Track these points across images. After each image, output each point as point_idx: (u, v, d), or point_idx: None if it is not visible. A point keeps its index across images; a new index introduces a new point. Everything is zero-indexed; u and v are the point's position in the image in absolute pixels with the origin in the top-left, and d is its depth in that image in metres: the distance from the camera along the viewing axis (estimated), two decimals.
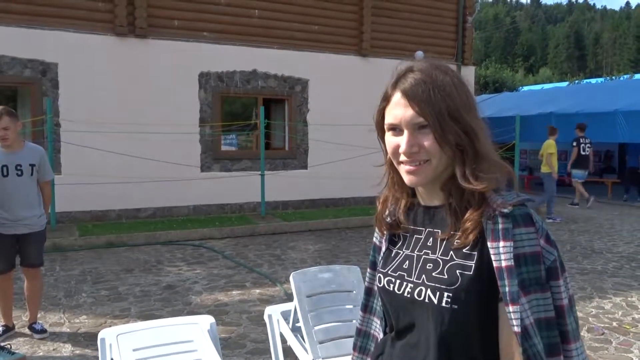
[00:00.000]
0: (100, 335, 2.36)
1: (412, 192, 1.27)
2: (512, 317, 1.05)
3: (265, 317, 3.28)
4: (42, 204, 4.43)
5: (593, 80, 32.96)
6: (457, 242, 1.13)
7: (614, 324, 4.82)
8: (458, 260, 1.12)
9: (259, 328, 4.58)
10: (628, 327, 4.74)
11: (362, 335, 1.41)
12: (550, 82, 45.04)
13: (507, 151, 12.74)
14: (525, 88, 30.78)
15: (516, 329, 1.04)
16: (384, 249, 1.31)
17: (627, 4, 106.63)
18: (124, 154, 8.95)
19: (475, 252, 1.10)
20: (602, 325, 4.78)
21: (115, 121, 8.88)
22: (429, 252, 1.18)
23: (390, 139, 1.17)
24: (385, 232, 1.31)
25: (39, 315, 4.58)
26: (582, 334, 4.57)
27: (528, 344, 1.04)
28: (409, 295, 1.18)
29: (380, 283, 1.26)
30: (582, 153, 11.94)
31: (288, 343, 3.13)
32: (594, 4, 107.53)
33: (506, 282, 1.05)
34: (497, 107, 17.26)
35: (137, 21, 9.30)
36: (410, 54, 10.98)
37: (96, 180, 8.65)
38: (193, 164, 9.85)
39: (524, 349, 1.05)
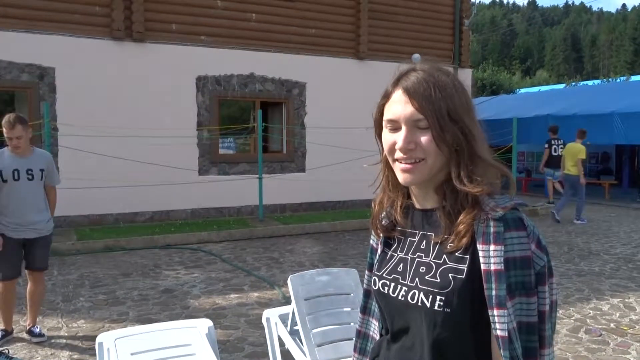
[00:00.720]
0: (98, 340, 2.36)
1: (407, 193, 1.27)
2: (497, 321, 1.05)
3: (264, 321, 3.28)
4: (49, 208, 4.45)
5: (590, 83, 33.05)
6: (450, 246, 1.13)
7: (612, 325, 4.83)
8: (451, 264, 1.12)
9: (257, 331, 4.58)
10: (626, 328, 4.75)
11: (362, 337, 1.42)
12: (547, 84, 45.17)
13: (504, 153, 12.77)
14: (522, 90, 30.88)
15: (500, 332, 1.04)
16: (379, 251, 1.31)
17: (624, 6, 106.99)
18: (122, 157, 8.95)
19: (468, 256, 1.10)
20: (600, 326, 4.79)
21: (112, 125, 8.88)
22: (423, 255, 1.19)
23: (387, 136, 1.17)
24: (381, 235, 1.31)
25: (36, 320, 4.57)
26: (580, 335, 4.58)
27: (511, 347, 1.05)
28: (403, 299, 1.18)
29: (375, 286, 1.27)
30: (554, 154, 12.28)
31: (286, 346, 3.13)
32: (591, 6, 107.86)
33: (493, 286, 1.05)
34: (494, 109, 17.30)
35: (134, 25, 9.32)
36: (407, 57, 10.95)
37: (94, 184, 8.65)
38: (191, 167, 9.85)
39: (509, 352, 1.05)
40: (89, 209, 9.07)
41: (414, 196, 1.25)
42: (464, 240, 1.10)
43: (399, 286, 1.20)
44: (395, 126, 1.16)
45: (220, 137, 10.49)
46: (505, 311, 1.04)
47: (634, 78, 29.13)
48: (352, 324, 3.01)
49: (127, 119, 9.15)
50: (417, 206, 1.24)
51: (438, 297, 1.11)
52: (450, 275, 1.11)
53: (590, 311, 5.20)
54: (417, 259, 1.19)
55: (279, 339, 3.20)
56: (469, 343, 1.12)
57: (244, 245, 8.27)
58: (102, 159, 8.78)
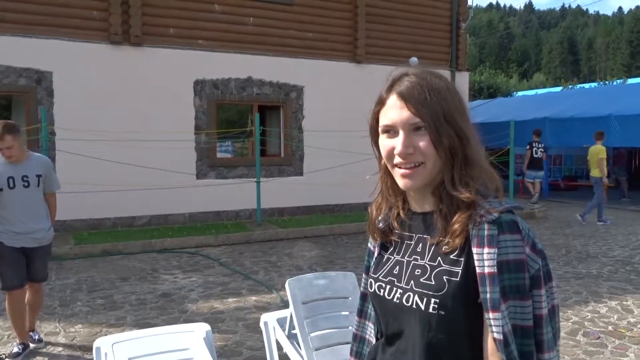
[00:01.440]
0: (95, 344, 2.35)
1: (405, 198, 1.28)
2: (493, 324, 1.05)
3: (261, 324, 3.27)
4: (49, 216, 4.29)
5: (587, 85, 33.12)
6: (445, 248, 1.13)
7: (610, 328, 4.83)
8: (445, 266, 1.12)
9: (255, 335, 4.57)
10: (623, 331, 4.75)
11: (358, 340, 1.42)
12: (544, 87, 45.26)
13: (501, 156, 12.79)
14: (520, 93, 30.95)
15: (496, 335, 1.04)
16: (376, 254, 1.32)
17: (620, 9, 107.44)
18: (120, 161, 8.94)
19: (462, 258, 1.10)
20: (598, 329, 4.79)
21: (110, 129, 8.88)
22: (418, 257, 1.19)
23: (385, 141, 1.18)
24: (377, 239, 1.31)
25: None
26: (578, 338, 4.58)
27: (507, 351, 1.04)
28: (398, 301, 1.18)
29: (371, 288, 1.27)
30: (535, 156, 12.94)
31: (284, 350, 3.13)
32: (587, 9, 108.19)
33: (487, 289, 1.05)
34: (492, 112, 17.34)
35: (131, 29, 9.32)
36: (405, 60, 11.04)
37: (91, 188, 8.63)
38: (189, 171, 9.84)
39: (506, 355, 1.05)
40: (87, 213, 9.05)
41: (411, 199, 1.25)
42: (458, 241, 1.10)
43: (394, 289, 1.20)
44: (392, 132, 1.16)
45: (218, 141, 10.49)
46: (500, 314, 1.04)
47: (631, 81, 29.20)
48: (350, 327, 3.00)
49: (125, 123, 9.14)
50: (415, 209, 1.25)
51: (433, 300, 1.11)
52: (444, 277, 1.11)
53: (588, 314, 5.21)
54: (412, 262, 1.20)
55: (277, 342, 3.19)
56: (463, 346, 1.11)
57: (242, 249, 8.27)
58: (99, 163, 8.77)
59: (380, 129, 1.19)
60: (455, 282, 1.10)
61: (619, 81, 34.53)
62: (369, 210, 1.34)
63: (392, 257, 1.26)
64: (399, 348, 1.20)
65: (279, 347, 3.18)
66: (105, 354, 2.33)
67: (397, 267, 1.22)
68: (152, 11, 9.55)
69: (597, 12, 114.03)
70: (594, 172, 10.78)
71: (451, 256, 1.12)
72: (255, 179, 9.81)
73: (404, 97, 1.13)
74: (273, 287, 6.06)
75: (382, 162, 1.23)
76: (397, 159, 1.15)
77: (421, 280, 1.15)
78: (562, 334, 4.65)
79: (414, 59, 11.33)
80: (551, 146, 15.56)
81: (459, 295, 1.09)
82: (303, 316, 2.95)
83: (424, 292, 1.13)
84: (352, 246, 8.48)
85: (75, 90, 8.94)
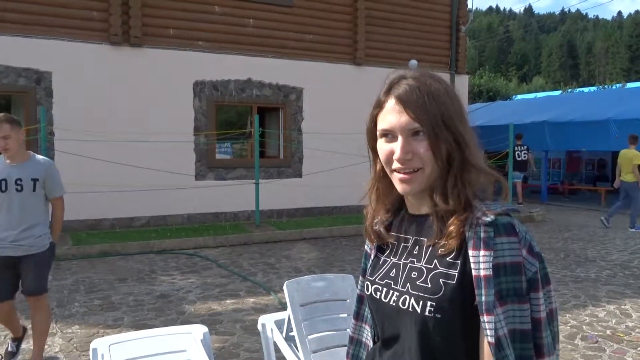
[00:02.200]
0: (92, 346, 2.35)
1: (397, 202, 1.28)
2: (487, 327, 1.04)
3: (259, 326, 3.26)
4: (47, 223, 3.92)
5: (586, 89, 33.18)
6: (441, 250, 1.13)
7: (608, 332, 4.83)
8: (442, 269, 1.12)
9: (252, 337, 4.56)
10: (622, 335, 4.75)
11: (355, 343, 1.41)
12: (544, 90, 45.35)
13: (500, 159, 12.81)
14: (519, 97, 31.00)
15: (490, 339, 1.03)
16: (372, 256, 1.31)
17: (619, 13, 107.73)
18: (118, 162, 8.93)
19: (459, 261, 1.10)
20: (596, 333, 4.78)
21: (109, 130, 8.87)
22: (415, 260, 1.18)
23: (383, 146, 1.17)
24: (374, 241, 1.30)
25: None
26: (576, 342, 4.57)
27: (500, 355, 1.03)
28: (394, 304, 1.17)
29: (367, 291, 1.27)
30: (518, 159, 13.56)
31: (282, 352, 3.12)
32: (587, 13, 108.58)
33: (483, 292, 1.04)
34: (491, 115, 17.35)
35: (131, 30, 9.32)
36: (404, 63, 11.05)
37: (90, 188, 8.62)
38: (187, 172, 9.84)
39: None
40: (85, 214, 9.04)
41: (408, 202, 1.25)
42: (454, 242, 1.10)
43: (391, 291, 1.19)
44: (390, 136, 1.15)
45: (217, 142, 10.48)
46: (494, 317, 1.03)
47: (630, 85, 29.27)
48: (348, 330, 2.97)
49: (124, 123, 9.14)
50: (412, 212, 1.24)
51: (429, 303, 1.10)
52: (441, 280, 1.11)
53: (587, 318, 5.20)
54: (409, 264, 1.19)
55: (275, 345, 3.19)
56: (459, 349, 1.11)
57: (240, 250, 8.26)
58: (98, 163, 8.76)
59: (378, 133, 1.18)
60: (451, 285, 1.09)
61: (618, 85, 34.61)
62: (365, 212, 1.33)
63: (389, 260, 1.25)
64: (396, 351, 1.20)
65: (277, 349, 3.17)
66: (102, 355, 2.32)
67: (394, 270, 1.22)
68: (152, 12, 9.55)
69: (597, 16, 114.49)
70: (627, 177, 10.55)
71: (447, 259, 1.12)
72: (254, 181, 9.81)
73: (403, 101, 1.12)
74: (271, 289, 6.05)
75: (378, 165, 1.23)
76: (396, 164, 1.15)
77: (417, 283, 1.14)
78: (560, 337, 4.64)
79: (413, 62, 11.34)
80: (550, 150, 15.59)
81: (456, 298, 1.08)
82: (301, 318, 2.94)
83: (420, 295, 1.12)
84: (350, 248, 8.47)
85: (75, 91, 8.93)
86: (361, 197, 1.32)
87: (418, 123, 1.11)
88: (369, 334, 1.37)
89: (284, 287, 3.02)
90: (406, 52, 11.69)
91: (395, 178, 1.17)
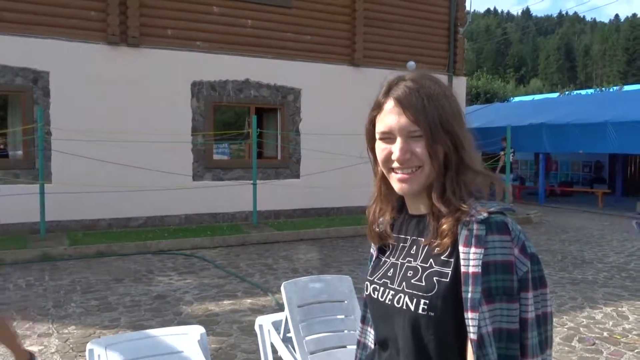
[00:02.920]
0: (88, 346, 2.33)
1: (399, 203, 1.28)
2: (470, 324, 1.04)
3: (256, 327, 3.25)
4: None
5: (583, 92, 33.26)
6: (437, 249, 1.13)
7: (605, 334, 4.83)
8: (436, 268, 1.12)
9: (250, 338, 4.55)
10: (619, 337, 4.75)
11: (361, 347, 1.41)
12: (541, 93, 45.40)
13: (498, 161, 12.84)
14: (517, 99, 31.04)
15: (472, 336, 1.03)
16: (374, 257, 1.32)
17: (617, 16, 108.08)
18: (115, 162, 8.92)
19: (452, 259, 1.10)
20: (593, 335, 4.79)
21: (106, 130, 8.85)
22: (412, 259, 1.19)
23: (381, 147, 1.17)
24: (377, 243, 1.31)
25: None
26: (573, 343, 4.58)
27: (481, 353, 1.03)
28: (389, 302, 1.18)
29: (367, 291, 1.27)
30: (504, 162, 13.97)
31: (279, 353, 3.11)
32: (584, 16, 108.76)
33: (469, 289, 1.04)
34: (489, 117, 17.37)
35: (129, 30, 9.30)
36: (402, 64, 11.06)
37: (87, 189, 8.60)
38: (185, 172, 9.82)
39: (477, 357, 1.04)
40: (82, 214, 9.01)
41: (408, 203, 1.25)
42: (447, 240, 1.10)
43: (387, 290, 1.20)
44: (389, 137, 1.16)
45: (214, 143, 10.47)
46: (479, 314, 1.03)
47: (627, 88, 29.35)
48: (345, 331, 2.99)
49: (122, 123, 9.12)
50: (411, 212, 1.25)
51: (422, 301, 1.11)
52: (434, 278, 1.11)
53: (584, 320, 5.21)
54: (406, 264, 1.20)
55: (272, 346, 3.18)
56: (453, 347, 1.10)
57: (237, 251, 8.24)
58: (95, 163, 8.74)
59: (377, 135, 1.19)
60: (444, 283, 1.09)
61: (615, 88, 34.69)
62: (367, 213, 1.34)
63: (388, 260, 1.26)
64: (391, 351, 1.20)
65: (274, 351, 3.17)
66: (99, 356, 2.31)
67: (392, 270, 1.22)
68: (150, 12, 9.54)
69: (594, 19, 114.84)
70: None
71: (442, 257, 1.12)
72: (251, 181, 9.79)
73: (402, 103, 1.13)
74: (268, 290, 6.04)
75: (378, 167, 1.23)
76: (395, 164, 1.15)
77: (412, 281, 1.15)
78: (557, 339, 4.64)
79: (411, 63, 11.34)
80: (548, 152, 15.62)
81: (449, 296, 1.08)
82: (298, 319, 2.93)
83: (414, 293, 1.12)
84: (348, 249, 8.47)
85: (72, 91, 8.91)
86: (369, 199, 1.32)
87: (416, 125, 1.12)
88: (372, 337, 1.37)
89: (282, 288, 3.02)
90: (404, 53, 11.70)
91: (394, 178, 1.17)
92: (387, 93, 1.17)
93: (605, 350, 4.44)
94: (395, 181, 1.17)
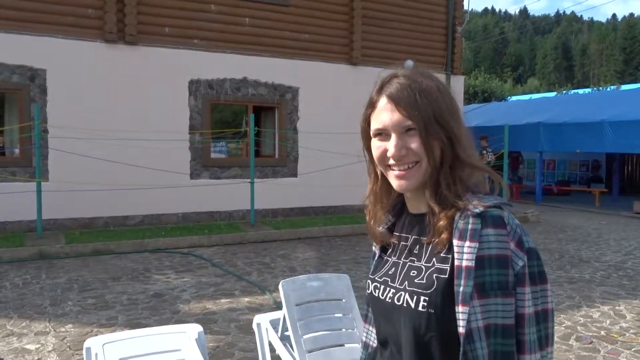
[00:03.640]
0: (85, 345, 2.33)
1: (399, 202, 1.27)
2: (460, 317, 1.03)
3: (254, 326, 3.25)
4: None
5: (580, 91, 33.33)
6: (438, 248, 1.12)
7: (602, 332, 4.84)
8: (437, 265, 1.11)
9: (247, 337, 4.55)
10: (616, 335, 4.76)
11: (365, 346, 1.40)
12: (538, 92, 45.54)
13: (496, 160, 12.84)
14: (514, 98, 31.09)
15: (461, 329, 1.03)
16: (377, 256, 1.31)
17: (614, 16, 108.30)
18: (113, 160, 8.90)
19: (450, 255, 1.09)
20: (591, 334, 4.80)
21: (103, 128, 8.83)
22: (415, 259, 1.18)
23: (377, 144, 1.17)
24: (378, 242, 1.30)
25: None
26: (570, 342, 4.58)
27: (469, 348, 1.02)
28: (390, 301, 1.17)
29: (368, 289, 1.27)
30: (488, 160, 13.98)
31: (277, 352, 3.11)
32: (581, 15, 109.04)
33: (461, 282, 1.03)
34: (486, 116, 17.40)
35: (126, 28, 9.28)
36: (400, 63, 10.98)
37: (84, 187, 8.58)
38: (182, 171, 9.80)
39: (464, 352, 1.03)
40: (79, 212, 8.99)
41: (408, 202, 1.25)
42: (444, 236, 1.09)
43: (388, 288, 1.19)
44: (384, 134, 1.15)
45: (212, 141, 10.46)
46: (469, 308, 1.02)
47: (624, 87, 29.42)
48: (343, 329, 2.99)
49: (119, 121, 9.10)
50: (411, 211, 1.24)
51: (422, 298, 1.10)
52: (434, 276, 1.10)
53: (581, 318, 5.22)
54: (409, 263, 1.19)
55: (270, 344, 3.17)
56: (454, 344, 1.08)
57: (235, 249, 8.24)
58: (92, 161, 8.72)
59: (372, 133, 1.18)
60: (443, 279, 1.08)
61: (612, 87, 34.77)
62: (366, 212, 1.33)
63: (390, 259, 1.25)
64: (392, 349, 1.20)
65: (272, 349, 3.16)
66: (96, 354, 2.30)
67: (393, 269, 1.22)
68: (148, 10, 9.51)
69: (591, 18, 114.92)
70: None
71: (441, 254, 1.11)
72: (249, 180, 9.78)
73: (394, 100, 1.12)
74: (266, 289, 6.04)
75: (374, 166, 1.22)
76: (391, 161, 1.14)
77: (415, 280, 1.14)
78: (554, 338, 4.64)
79: (409, 62, 11.31)
80: (545, 151, 15.65)
81: (448, 292, 1.07)
82: (296, 318, 2.93)
83: (415, 291, 1.12)
84: (345, 248, 8.47)
85: (69, 89, 8.89)
86: (364, 197, 1.31)
87: (410, 120, 1.11)
88: (374, 336, 1.36)
89: (279, 287, 3.01)
90: (402, 52, 11.69)
91: (392, 175, 1.16)
92: (380, 90, 1.16)
93: (602, 349, 4.45)
94: (393, 178, 1.16)
